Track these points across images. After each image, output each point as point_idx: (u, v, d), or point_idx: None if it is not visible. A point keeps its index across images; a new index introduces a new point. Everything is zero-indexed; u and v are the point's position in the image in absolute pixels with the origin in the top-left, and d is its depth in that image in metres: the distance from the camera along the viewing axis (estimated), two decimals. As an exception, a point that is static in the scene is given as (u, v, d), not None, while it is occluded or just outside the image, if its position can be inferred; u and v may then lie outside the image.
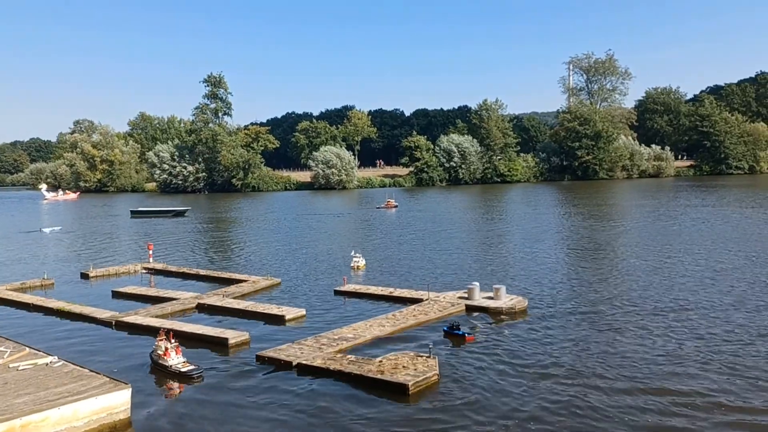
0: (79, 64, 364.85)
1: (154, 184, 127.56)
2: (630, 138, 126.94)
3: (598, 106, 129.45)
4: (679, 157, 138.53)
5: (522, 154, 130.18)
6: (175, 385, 11.64)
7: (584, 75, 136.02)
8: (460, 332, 14.11)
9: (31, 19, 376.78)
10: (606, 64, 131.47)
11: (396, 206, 59.11)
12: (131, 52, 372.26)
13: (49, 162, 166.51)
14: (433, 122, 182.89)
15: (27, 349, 11.58)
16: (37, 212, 71.71)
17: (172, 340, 12.30)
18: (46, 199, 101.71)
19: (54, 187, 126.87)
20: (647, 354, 12.62)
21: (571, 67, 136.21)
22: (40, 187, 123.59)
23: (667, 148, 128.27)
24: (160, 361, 12.10)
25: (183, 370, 11.80)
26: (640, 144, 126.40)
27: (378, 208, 59.41)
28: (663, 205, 52.88)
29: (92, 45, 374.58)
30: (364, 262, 24.64)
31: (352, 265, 24.28)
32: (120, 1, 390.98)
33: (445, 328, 14.57)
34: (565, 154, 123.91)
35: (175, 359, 11.96)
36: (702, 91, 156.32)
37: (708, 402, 10.22)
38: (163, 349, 12.10)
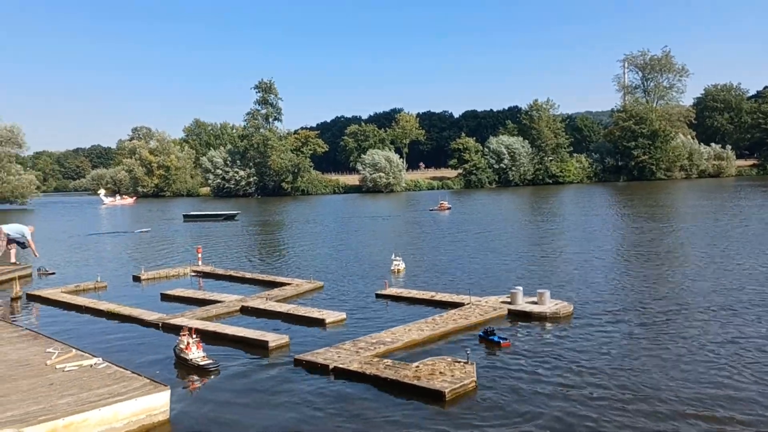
0: (137, 74, 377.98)
1: (208, 188, 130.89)
2: (689, 137, 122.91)
3: (654, 105, 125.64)
4: (744, 155, 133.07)
5: (575, 155, 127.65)
6: (214, 387, 11.78)
7: (639, 72, 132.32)
8: (496, 338, 13.79)
9: (88, 35, 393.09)
10: (662, 61, 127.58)
11: (449, 208, 59.27)
12: (186, 63, 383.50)
13: (109, 168, 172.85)
14: (482, 123, 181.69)
15: (74, 350, 11.95)
16: (97, 216, 74.46)
17: (194, 336, 13.06)
18: (104, 203, 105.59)
19: (112, 192, 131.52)
20: (702, 370, 11.87)
21: (625, 65, 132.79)
22: (98, 192, 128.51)
23: (728, 146, 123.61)
24: (182, 355, 12.83)
25: (201, 363, 12.51)
26: (699, 143, 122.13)
27: (431, 210, 59.54)
28: (724, 206, 50.80)
29: (150, 57, 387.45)
30: (404, 265, 24.52)
31: (392, 268, 24.21)
32: (173, 17, 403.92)
33: (481, 334, 14.30)
34: (620, 154, 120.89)
35: (196, 353, 12.68)
36: (766, 87, 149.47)
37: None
38: (186, 343, 12.82)
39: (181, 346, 13.02)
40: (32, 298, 21.30)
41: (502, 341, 13.69)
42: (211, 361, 12.71)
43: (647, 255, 26.15)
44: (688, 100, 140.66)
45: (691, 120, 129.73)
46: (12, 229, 26.78)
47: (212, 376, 12.23)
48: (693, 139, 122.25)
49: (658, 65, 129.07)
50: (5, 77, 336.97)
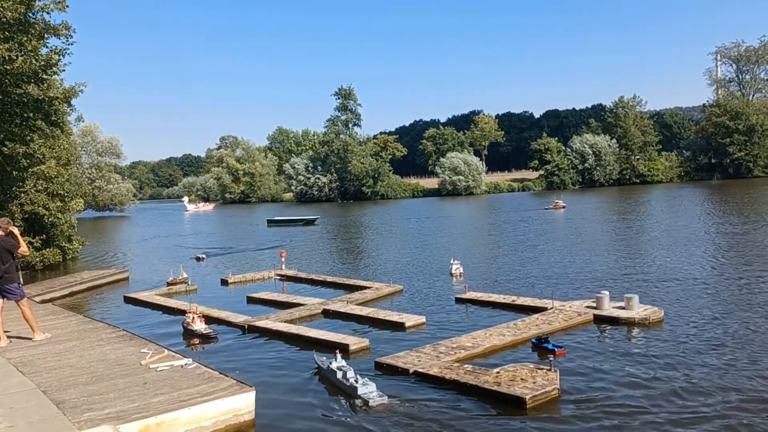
0: (224, 85, 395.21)
1: (291, 194, 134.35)
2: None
3: (750, 98, 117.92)
4: None
5: (664, 153, 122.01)
6: (297, 389, 12.04)
7: (734, 65, 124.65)
8: (550, 346, 13.20)
9: (178, 51, 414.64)
10: (759, 52, 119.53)
11: (564, 207, 59.65)
12: (269, 73, 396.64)
13: (199, 176, 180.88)
14: (564, 123, 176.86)
15: (166, 351, 12.50)
16: (181, 222, 78.08)
17: (198, 312, 16.16)
18: (187, 210, 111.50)
19: (196, 200, 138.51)
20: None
21: (718, 57, 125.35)
22: (183, 199, 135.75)
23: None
24: (189, 327, 15.75)
25: (204, 332, 15.44)
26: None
27: (546, 209, 60.61)
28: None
29: (235, 69, 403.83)
30: (462, 269, 24.42)
31: (452, 272, 24.03)
32: (254, 31, 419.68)
33: (534, 341, 13.73)
34: (713, 151, 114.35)
35: (199, 326, 15.61)
36: None
37: None
38: (191, 318, 15.75)
39: (188, 320, 15.98)
40: (129, 300, 22.59)
41: (557, 349, 13.11)
42: (211, 331, 15.69)
43: (745, 259, 24.54)
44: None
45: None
46: None
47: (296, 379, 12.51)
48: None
49: (754, 56, 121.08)
50: (106, 93, 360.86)
